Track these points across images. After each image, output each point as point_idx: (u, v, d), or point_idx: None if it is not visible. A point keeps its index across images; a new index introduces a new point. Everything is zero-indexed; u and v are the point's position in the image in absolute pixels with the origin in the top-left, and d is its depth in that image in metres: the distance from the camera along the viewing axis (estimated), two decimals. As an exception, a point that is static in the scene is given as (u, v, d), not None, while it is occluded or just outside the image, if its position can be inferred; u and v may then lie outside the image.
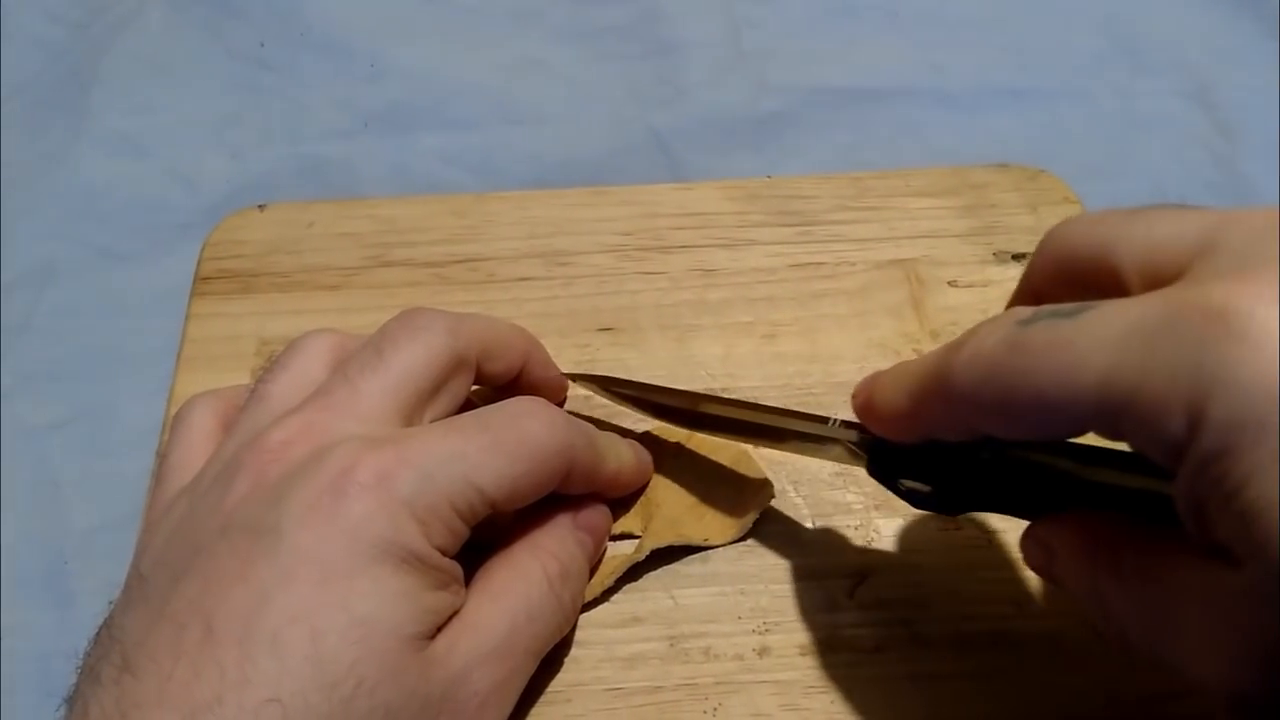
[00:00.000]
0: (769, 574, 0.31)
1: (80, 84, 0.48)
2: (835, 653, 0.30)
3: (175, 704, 0.21)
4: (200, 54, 0.50)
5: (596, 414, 0.34)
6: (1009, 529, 0.31)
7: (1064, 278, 0.24)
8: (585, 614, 0.30)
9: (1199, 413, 0.18)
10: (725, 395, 0.34)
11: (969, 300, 0.37)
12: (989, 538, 0.31)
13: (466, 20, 0.51)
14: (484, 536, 0.27)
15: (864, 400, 0.26)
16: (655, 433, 0.33)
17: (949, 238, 0.38)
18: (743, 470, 0.32)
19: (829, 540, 0.32)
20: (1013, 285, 0.26)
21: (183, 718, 0.21)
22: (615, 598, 0.30)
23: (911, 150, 0.46)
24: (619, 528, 0.31)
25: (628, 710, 0.29)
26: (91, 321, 0.41)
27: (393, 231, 0.38)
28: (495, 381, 0.31)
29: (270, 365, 0.28)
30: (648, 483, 0.32)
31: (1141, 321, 0.19)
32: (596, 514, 0.30)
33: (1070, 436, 0.23)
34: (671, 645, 0.30)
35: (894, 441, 0.26)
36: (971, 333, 0.22)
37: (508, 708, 0.26)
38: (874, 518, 0.32)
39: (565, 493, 0.29)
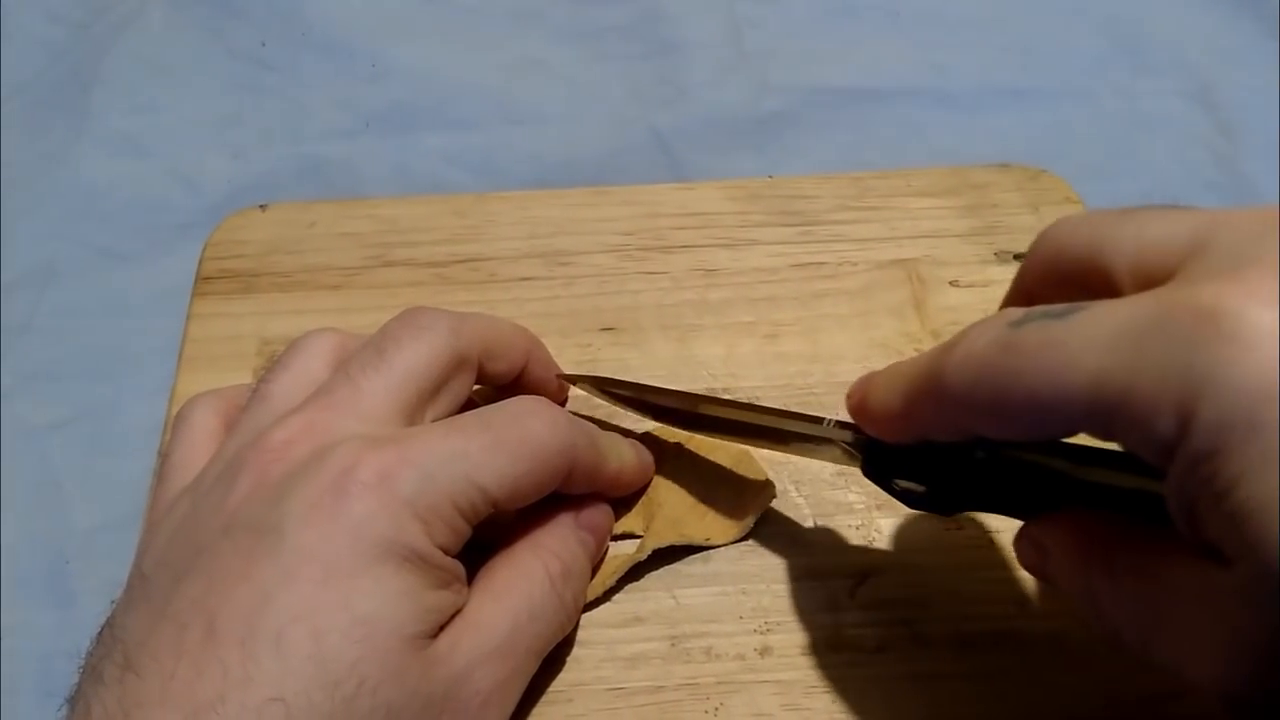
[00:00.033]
0: (770, 574, 0.31)
1: (81, 84, 0.48)
2: (837, 652, 0.30)
3: (178, 703, 0.21)
4: (201, 54, 0.50)
5: (598, 414, 0.34)
6: (1010, 529, 0.31)
7: (1056, 278, 0.24)
8: (587, 613, 0.30)
9: (1189, 413, 0.18)
10: (727, 395, 0.34)
11: (970, 300, 0.37)
12: (990, 538, 0.31)
13: (467, 20, 0.51)
14: (486, 536, 0.27)
15: (858, 401, 0.26)
16: (656, 433, 0.33)
17: (950, 238, 0.38)
18: (744, 470, 0.32)
19: (830, 540, 0.32)
20: (1014, 285, 0.26)
21: (185, 717, 0.21)
22: (617, 597, 0.30)
23: (913, 150, 0.46)
24: (621, 527, 0.31)
25: (629, 710, 0.29)
26: (93, 321, 0.41)
27: (394, 231, 0.38)
28: (497, 381, 0.31)
29: (272, 365, 0.28)
30: (649, 482, 0.32)
31: (1132, 322, 0.19)
32: (598, 513, 0.30)
33: (1062, 437, 0.23)
34: (673, 645, 0.30)
35: (888, 442, 0.26)
36: (963, 334, 0.22)
37: (510, 707, 0.26)
38: (875, 518, 0.32)
39: (567, 492, 0.29)
